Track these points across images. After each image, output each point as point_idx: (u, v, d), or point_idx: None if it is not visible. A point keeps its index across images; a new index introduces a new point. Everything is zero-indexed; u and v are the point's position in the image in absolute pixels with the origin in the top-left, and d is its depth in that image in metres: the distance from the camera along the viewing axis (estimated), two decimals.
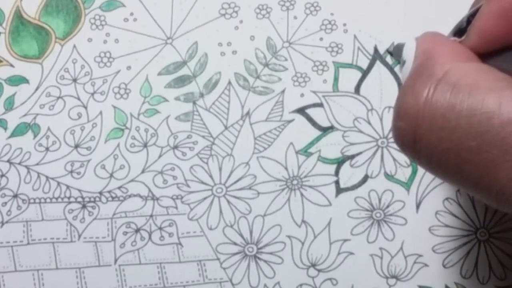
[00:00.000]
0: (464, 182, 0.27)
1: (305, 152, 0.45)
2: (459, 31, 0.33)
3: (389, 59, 0.45)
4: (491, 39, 0.31)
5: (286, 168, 0.45)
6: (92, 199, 0.44)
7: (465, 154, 0.26)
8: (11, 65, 0.45)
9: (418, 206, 0.45)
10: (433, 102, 0.27)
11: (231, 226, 0.44)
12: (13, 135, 0.45)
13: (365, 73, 0.46)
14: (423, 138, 0.28)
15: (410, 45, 0.34)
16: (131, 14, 0.46)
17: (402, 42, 0.43)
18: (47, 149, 0.45)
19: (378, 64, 0.45)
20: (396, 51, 0.45)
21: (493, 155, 0.25)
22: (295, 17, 0.46)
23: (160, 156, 0.45)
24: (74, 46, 0.46)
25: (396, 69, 0.45)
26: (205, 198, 0.44)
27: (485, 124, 0.25)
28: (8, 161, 0.45)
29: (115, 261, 0.44)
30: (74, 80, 0.45)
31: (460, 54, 0.30)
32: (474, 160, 0.26)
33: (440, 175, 0.29)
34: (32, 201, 0.44)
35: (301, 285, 0.44)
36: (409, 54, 0.33)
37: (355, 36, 0.46)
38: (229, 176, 0.45)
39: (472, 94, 0.26)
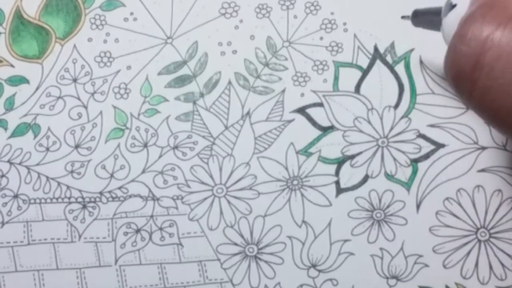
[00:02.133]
0: None
1: (306, 152, 0.45)
2: None
3: (389, 58, 0.45)
4: None
5: (286, 168, 0.45)
6: (93, 199, 0.44)
7: None
8: (11, 65, 0.45)
9: (418, 206, 0.45)
10: (506, 33, 0.27)
11: (232, 227, 0.44)
12: (13, 135, 0.45)
13: (365, 72, 0.45)
14: (485, 66, 0.27)
15: None
16: (131, 13, 0.46)
17: (420, 8, 0.41)
18: (47, 149, 0.45)
19: (378, 63, 0.45)
20: (419, 15, 0.42)
21: None
22: (295, 17, 0.46)
23: (160, 156, 0.45)
24: (74, 46, 0.46)
25: (396, 68, 0.45)
26: (205, 199, 0.44)
27: None
28: (8, 161, 0.45)
29: (116, 261, 0.44)
30: (74, 80, 0.45)
31: None
32: None
33: (489, 112, 0.28)
34: (32, 201, 0.44)
35: (301, 285, 0.44)
36: None
37: (355, 35, 0.46)
38: (229, 176, 0.45)
39: None
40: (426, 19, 0.41)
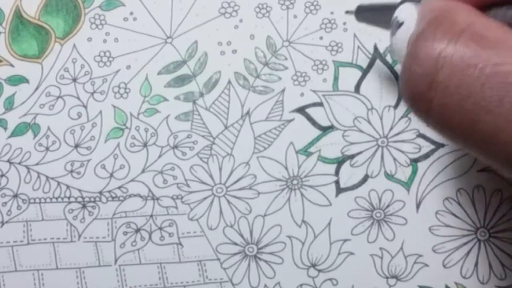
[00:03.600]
0: (476, 137, 0.26)
1: (305, 151, 0.45)
2: None
3: (389, 58, 0.45)
4: None
5: (286, 168, 0.45)
6: (92, 199, 0.44)
7: (484, 103, 0.25)
8: (11, 65, 0.45)
9: (418, 206, 0.45)
10: (457, 49, 0.26)
11: (231, 226, 0.44)
12: (13, 135, 0.45)
13: (365, 72, 0.45)
14: (440, 85, 0.27)
15: (408, 7, 0.33)
16: (131, 13, 0.46)
17: (365, 3, 0.42)
18: (47, 149, 0.45)
19: (378, 63, 0.45)
20: (359, 12, 0.43)
21: None
22: (295, 16, 0.46)
23: (160, 155, 0.45)
24: (74, 46, 0.46)
25: (396, 67, 0.45)
26: (205, 198, 0.44)
27: None
28: (8, 161, 0.45)
29: (115, 261, 0.44)
30: (74, 80, 0.45)
31: (479, 13, 0.29)
32: (494, 111, 0.25)
33: (449, 130, 0.27)
34: (32, 201, 0.44)
35: (301, 285, 0.44)
36: (408, 15, 0.32)
37: (355, 35, 0.46)
38: (229, 176, 0.45)
39: (499, 45, 0.26)
40: (370, 15, 0.41)
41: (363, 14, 0.42)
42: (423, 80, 0.27)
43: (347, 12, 0.44)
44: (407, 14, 0.32)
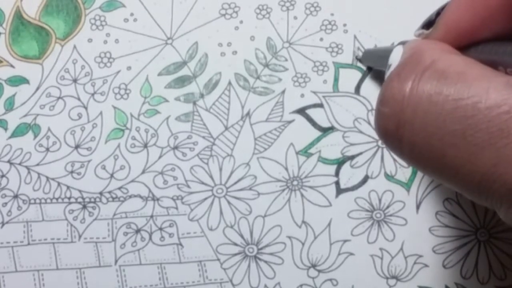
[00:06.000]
0: (446, 170, 0.27)
1: (305, 152, 0.45)
2: (428, 24, 0.33)
3: None
4: (457, 32, 0.30)
5: (286, 169, 0.45)
6: (93, 200, 0.44)
7: (449, 138, 0.26)
8: (12, 66, 0.45)
9: (418, 207, 0.45)
10: (420, 87, 0.27)
11: (232, 227, 0.44)
12: (13, 135, 0.45)
13: (365, 73, 0.46)
14: (407, 123, 0.28)
15: (398, 50, 0.33)
16: (131, 14, 0.46)
17: (371, 48, 0.44)
18: (47, 149, 0.45)
19: None
20: (365, 57, 0.45)
21: (477, 139, 0.25)
22: (295, 18, 0.46)
23: (160, 156, 0.45)
24: (74, 47, 0.46)
25: None
26: (205, 199, 0.45)
27: (471, 109, 0.25)
28: (8, 161, 0.45)
29: (116, 261, 0.44)
30: (74, 81, 0.45)
31: (448, 49, 0.30)
32: (458, 144, 0.26)
33: (421, 164, 0.28)
34: (32, 201, 0.44)
35: (301, 285, 0.44)
36: (395, 57, 0.33)
37: (355, 37, 0.46)
38: (229, 177, 0.45)
39: (460, 80, 0.26)
40: (375, 59, 0.43)
41: (369, 58, 0.43)
42: (391, 120, 0.28)
43: (357, 58, 0.46)
44: (395, 57, 0.33)
